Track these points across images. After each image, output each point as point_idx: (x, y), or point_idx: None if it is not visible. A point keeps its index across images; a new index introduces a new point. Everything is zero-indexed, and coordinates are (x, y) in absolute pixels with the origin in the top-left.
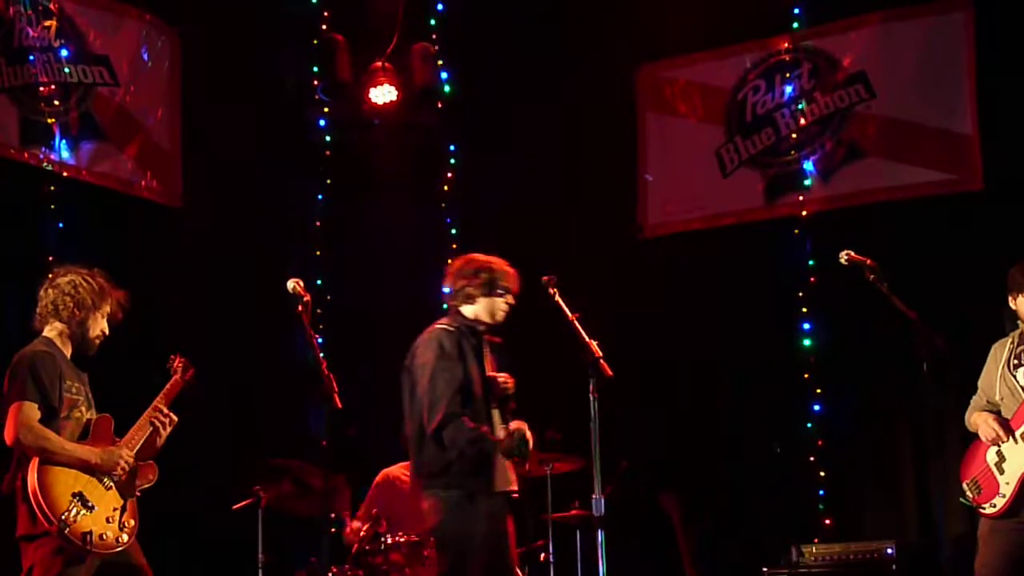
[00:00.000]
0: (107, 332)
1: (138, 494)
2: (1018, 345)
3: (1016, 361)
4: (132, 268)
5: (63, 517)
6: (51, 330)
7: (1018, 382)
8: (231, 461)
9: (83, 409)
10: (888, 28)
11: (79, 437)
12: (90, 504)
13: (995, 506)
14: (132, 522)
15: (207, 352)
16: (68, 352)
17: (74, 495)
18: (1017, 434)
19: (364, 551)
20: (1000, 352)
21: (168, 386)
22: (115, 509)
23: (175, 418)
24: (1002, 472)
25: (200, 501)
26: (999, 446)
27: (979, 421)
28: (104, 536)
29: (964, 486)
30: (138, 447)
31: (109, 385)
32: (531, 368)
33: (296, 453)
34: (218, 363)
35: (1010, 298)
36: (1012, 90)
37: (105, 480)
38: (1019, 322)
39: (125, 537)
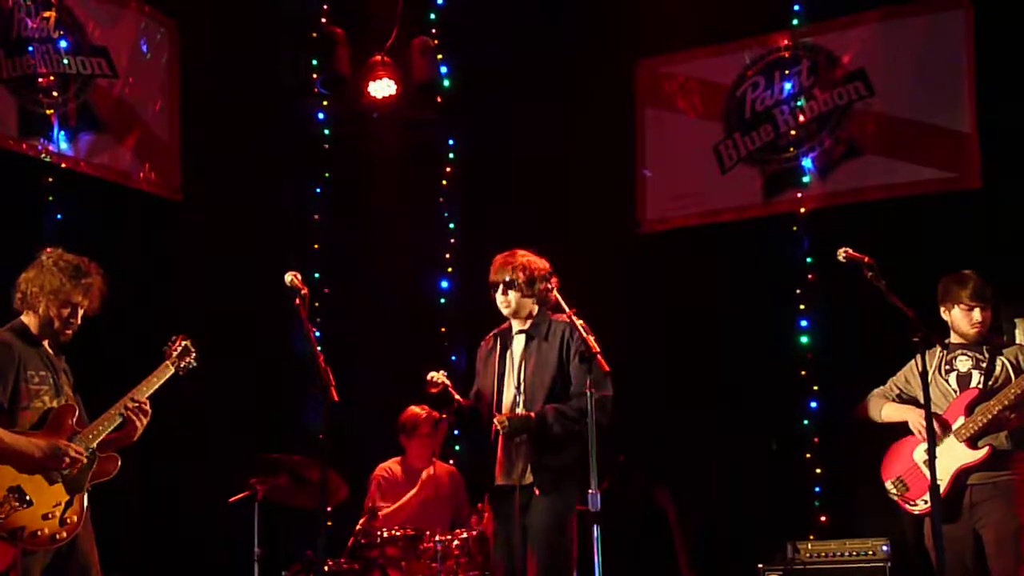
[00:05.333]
0: (74, 323)
1: (88, 488)
2: (948, 353)
3: (948, 367)
4: (130, 260)
5: None
6: (26, 316)
7: (950, 386)
8: (227, 454)
9: (46, 399)
10: (887, 26)
11: (36, 426)
12: (28, 499)
13: (927, 502)
14: (75, 518)
15: (204, 345)
16: (45, 340)
17: (10, 489)
18: (950, 431)
19: (360, 545)
20: (930, 358)
21: (154, 373)
22: (57, 504)
23: (148, 410)
24: (931, 469)
25: (196, 493)
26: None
27: (905, 414)
28: (39, 533)
29: (888, 484)
30: (101, 439)
31: (103, 376)
32: None
33: (293, 446)
34: (215, 355)
35: (942, 308)
36: (1011, 88)
37: (51, 473)
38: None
39: (64, 534)
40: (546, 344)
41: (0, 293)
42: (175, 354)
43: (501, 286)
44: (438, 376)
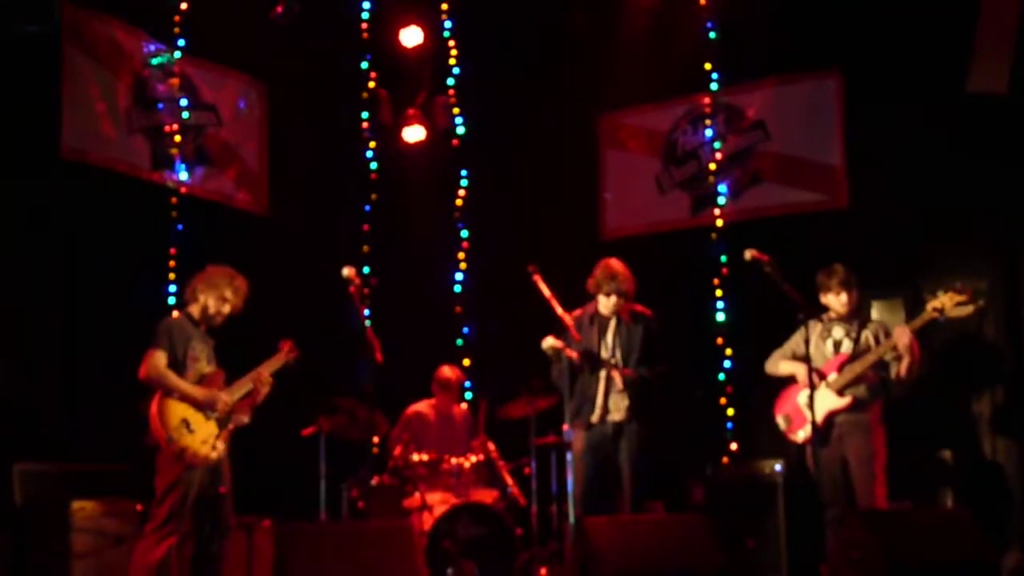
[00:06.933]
0: (223, 313)
1: (231, 427)
2: (827, 325)
3: (827, 334)
4: (231, 260)
5: (170, 434)
6: (190, 307)
7: (828, 349)
8: (302, 400)
9: (202, 364)
10: (781, 89)
11: (195, 383)
12: (192, 428)
13: (806, 433)
14: (222, 446)
15: (286, 322)
16: (202, 324)
17: (182, 420)
18: (825, 382)
19: (398, 466)
20: (813, 328)
21: (273, 358)
22: (211, 434)
23: (271, 380)
24: (811, 410)
25: (279, 429)
26: (809, 391)
27: (794, 369)
28: (197, 452)
29: (778, 419)
30: (239, 396)
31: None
32: (522, 333)
33: (349, 394)
34: (293, 329)
35: (820, 295)
36: (867, 134)
37: (208, 413)
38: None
39: (214, 456)
40: (633, 326)
41: (138, 290)
42: (285, 350)
43: (619, 294)
44: (557, 343)
